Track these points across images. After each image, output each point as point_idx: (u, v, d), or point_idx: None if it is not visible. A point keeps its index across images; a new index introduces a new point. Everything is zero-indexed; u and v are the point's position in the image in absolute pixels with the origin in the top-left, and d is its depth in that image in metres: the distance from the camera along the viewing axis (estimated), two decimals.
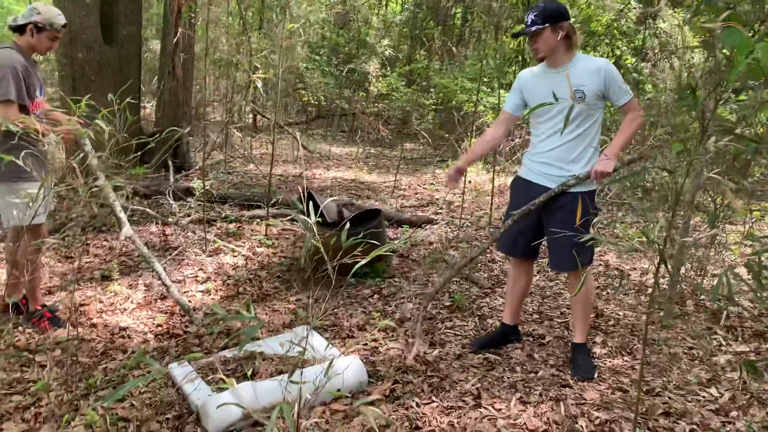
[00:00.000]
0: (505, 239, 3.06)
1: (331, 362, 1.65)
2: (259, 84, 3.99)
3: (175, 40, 6.44)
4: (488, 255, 4.89)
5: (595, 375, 2.89)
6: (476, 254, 2.99)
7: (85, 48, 5.99)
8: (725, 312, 3.64)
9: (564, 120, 2.42)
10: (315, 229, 1.54)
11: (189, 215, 5.44)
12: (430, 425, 2.47)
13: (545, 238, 2.93)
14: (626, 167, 2.68)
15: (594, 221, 2.17)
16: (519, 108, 2.99)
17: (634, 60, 8.89)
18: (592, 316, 3.42)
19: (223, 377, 2.23)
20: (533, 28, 2.72)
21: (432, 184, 8.11)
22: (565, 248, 2.79)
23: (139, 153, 5.52)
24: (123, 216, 3.11)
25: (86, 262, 4.29)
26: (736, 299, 3.83)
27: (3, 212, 3.08)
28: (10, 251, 3.14)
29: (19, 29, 3.03)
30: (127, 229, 3.05)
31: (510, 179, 8.33)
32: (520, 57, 10.55)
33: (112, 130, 2.52)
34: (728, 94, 1.69)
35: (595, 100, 2.75)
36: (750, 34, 1.66)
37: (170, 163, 6.69)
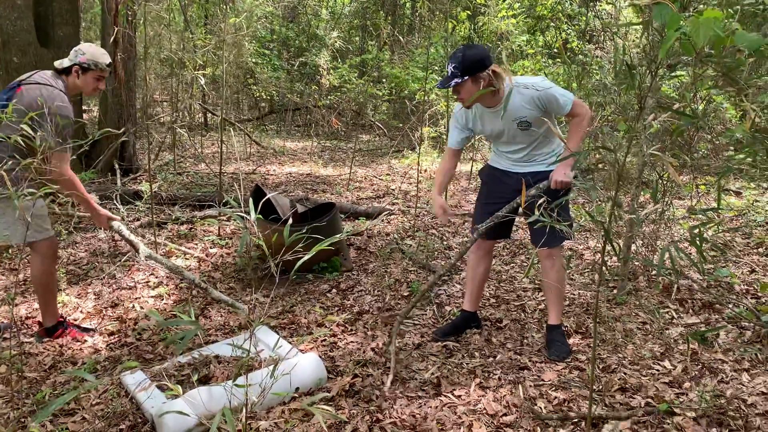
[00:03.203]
0: (476, 223, 3.05)
1: (276, 363, 1.61)
2: (202, 80, 3.89)
3: (113, 39, 6.24)
4: (444, 242, 4.90)
5: (570, 356, 2.92)
6: (459, 257, 2.98)
7: (19, 52, 5.76)
8: (676, 286, 3.73)
9: (520, 145, 2.70)
10: (255, 224, 1.49)
11: (138, 219, 5.30)
12: (391, 417, 2.46)
13: (513, 216, 2.97)
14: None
15: (540, 203, 2.17)
16: (464, 142, 3.03)
17: (579, 42, 9.02)
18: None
19: (170, 385, 2.16)
20: (452, 83, 2.68)
21: (388, 174, 8.09)
22: (537, 227, 2.83)
23: (77, 157, 5.32)
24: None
25: None
26: (686, 272, 3.92)
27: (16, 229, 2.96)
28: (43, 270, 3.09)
29: (65, 71, 3.05)
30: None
31: (465, 168, 8.35)
32: (470, 43, 10.59)
33: (42, 134, 2.40)
34: (663, 70, 1.70)
35: (542, 117, 2.75)
36: (683, 11, 1.67)
37: (117, 166, 6.51)
